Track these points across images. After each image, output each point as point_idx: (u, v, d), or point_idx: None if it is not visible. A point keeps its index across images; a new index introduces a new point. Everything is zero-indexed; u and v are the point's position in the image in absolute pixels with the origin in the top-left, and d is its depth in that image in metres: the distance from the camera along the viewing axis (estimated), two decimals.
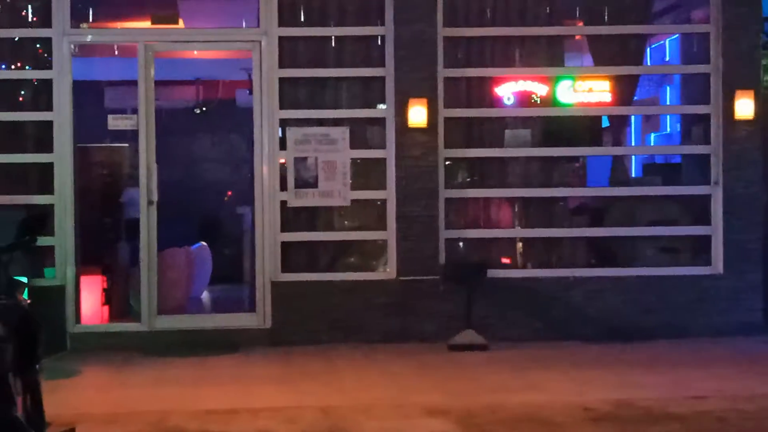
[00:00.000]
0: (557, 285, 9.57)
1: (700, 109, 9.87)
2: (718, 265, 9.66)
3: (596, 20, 9.97)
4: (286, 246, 9.62)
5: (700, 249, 9.85)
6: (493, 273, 9.44)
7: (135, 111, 9.66)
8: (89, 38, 9.84)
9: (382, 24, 9.60)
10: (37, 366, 4.84)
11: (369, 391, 7.56)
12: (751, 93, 9.52)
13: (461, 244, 9.83)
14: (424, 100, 9.43)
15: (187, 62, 12.00)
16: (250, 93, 10.13)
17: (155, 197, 9.48)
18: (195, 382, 8.01)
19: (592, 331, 9.41)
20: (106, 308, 10.01)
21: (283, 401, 7.25)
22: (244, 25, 9.88)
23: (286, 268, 9.59)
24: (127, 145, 10.97)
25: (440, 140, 9.57)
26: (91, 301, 9.82)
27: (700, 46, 9.93)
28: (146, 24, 9.98)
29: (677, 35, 10.80)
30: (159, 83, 9.91)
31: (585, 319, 9.49)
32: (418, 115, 9.43)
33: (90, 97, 11.29)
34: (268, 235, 9.55)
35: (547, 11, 9.85)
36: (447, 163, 9.76)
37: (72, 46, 9.52)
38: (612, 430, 6.32)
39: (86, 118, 9.86)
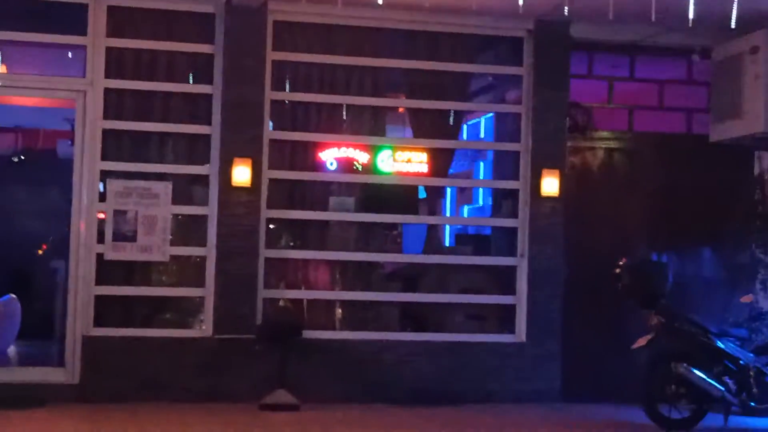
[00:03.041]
0: (370, 348, 9.77)
1: (510, 185, 10.35)
2: (521, 333, 10.09)
3: (417, 94, 10.37)
4: (100, 300, 9.46)
5: (505, 318, 10.27)
6: (308, 334, 9.58)
7: None
8: None
9: (211, 83, 9.72)
10: None
11: None
12: (557, 172, 10.09)
13: (279, 304, 9.95)
14: (249, 161, 9.57)
15: (7, 109, 11.73)
16: (72, 143, 9.98)
17: None
18: None
19: (402, 394, 9.63)
20: None
21: None
22: (69, 75, 9.78)
23: (99, 322, 9.43)
24: None
25: (263, 200, 9.70)
26: None
27: (512, 125, 10.44)
28: None
29: (492, 114, 11.36)
30: None
31: (395, 382, 9.71)
32: (242, 174, 9.55)
33: None
34: (81, 288, 9.39)
35: (371, 82, 10.19)
36: (271, 226, 9.90)
37: None
38: None
39: None
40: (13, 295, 11.80)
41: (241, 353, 9.41)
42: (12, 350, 11.62)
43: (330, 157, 10.22)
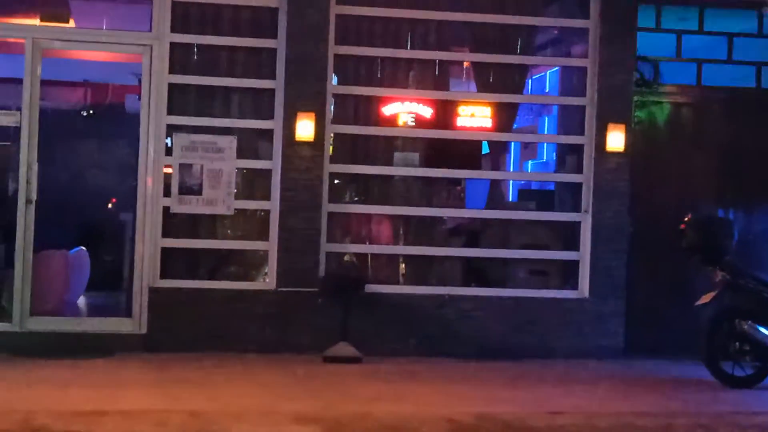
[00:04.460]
0: (432, 302, 9.82)
1: (575, 140, 10.27)
2: (584, 289, 10.05)
3: (481, 48, 10.30)
4: (166, 252, 9.64)
5: (568, 273, 10.23)
6: (371, 288, 9.65)
7: (20, 109, 9.55)
8: None
9: (275, 37, 9.74)
10: None
11: (240, 398, 7.64)
12: (623, 127, 9.98)
13: (342, 258, 10.02)
14: (312, 115, 9.60)
15: (76, 63, 11.89)
16: (140, 98, 10.11)
17: (34, 196, 9.41)
18: (64, 383, 7.94)
19: (463, 348, 9.67)
20: None
21: (153, 405, 7.24)
22: (136, 29, 9.88)
23: (165, 274, 9.61)
24: (9, 143, 10.82)
25: (326, 155, 9.75)
26: None
27: (577, 79, 10.34)
28: (36, 21, 9.89)
29: (557, 68, 11.22)
30: (47, 83, 9.85)
31: (457, 336, 9.76)
32: (305, 129, 9.60)
33: None
34: (148, 240, 9.56)
35: (435, 37, 10.15)
36: (336, 181, 9.95)
37: None
38: None
39: None
40: (83, 248, 12.12)
41: (304, 306, 9.52)
42: (82, 301, 11.94)
43: (393, 111, 10.21)
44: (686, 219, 9.01)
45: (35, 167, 9.42)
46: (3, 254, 10.41)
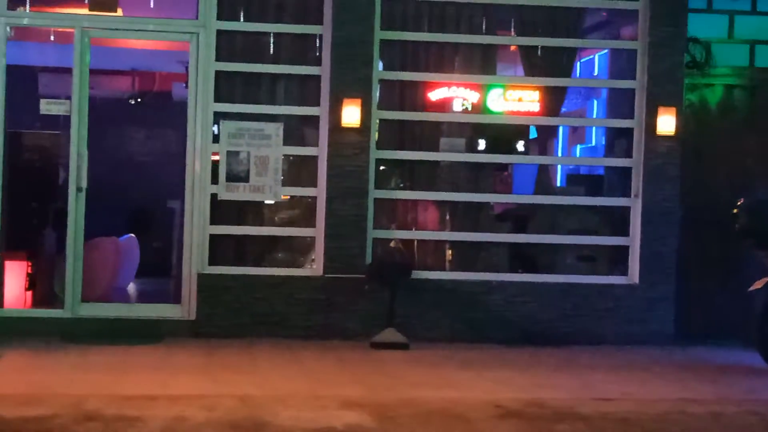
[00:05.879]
0: (479, 288, 9.77)
1: (624, 124, 10.15)
2: (634, 275, 9.94)
3: (529, 32, 10.20)
4: (214, 239, 9.69)
5: (617, 259, 10.13)
6: (417, 274, 9.63)
7: (69, 98, 9.67)
8: (26, 21, 9.83)
9: (321, 23, 9.73)
10: None
11: (288, 384, 7.67)
12: (674, 110, 9.83)
13: (391, 245, 9.99)
14: (358, 101, 9.58)
15: (124, 52, 12.00)
16: (187, 86, 10.16)
17: (84, 184, 9.50)
18: (115, 369, 8.02)
19: (511, 334, 9.62)
20: (29, 294, 9.98)
21: (202, 390, 7.32)
22: (182, 17, 9.93)
23: (213, 261, 9.66)
24: (59, 132, 10.95)
25: (372, 141, 9.72)
26: (14, 286, 9.78)
27: (627, 62, 10.20)
28: (84, 10, 9.98)
29: (606, 51, 11.08)
30: (95, 72, 9.94)
31: (504, 322, 9.70)
32: (351, 115, 9.58)
33: (23, 83, 11.23)
34: (196, 227, 9.62)
35: (482, 20, 10.07)
36: (382, 167, 9.93)
37: (8, 28, 9.50)
38: (520, 427, 6.50)
39: (18, 104, 9.83)
40: (132, 235, 12.24)
41: (351, 292, 9.52)
42: (131, 287, 12.07)
43: (440, 96, 10.15)
44: (739, 203, 8.88)
45: (85, 155, 9.51)
46: (54, 241, 10.54)
